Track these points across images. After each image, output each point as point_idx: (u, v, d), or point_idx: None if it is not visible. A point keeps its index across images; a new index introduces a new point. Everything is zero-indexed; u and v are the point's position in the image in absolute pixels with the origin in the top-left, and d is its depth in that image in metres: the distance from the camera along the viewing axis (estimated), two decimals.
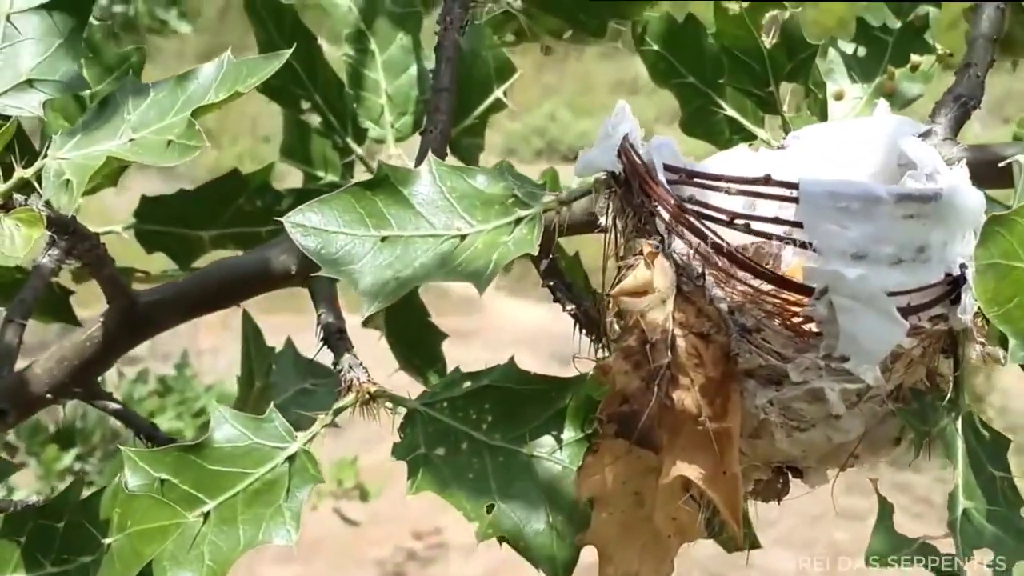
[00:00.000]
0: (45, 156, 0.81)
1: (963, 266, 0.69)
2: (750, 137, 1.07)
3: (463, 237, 0.77)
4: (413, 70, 1.29)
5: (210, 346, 4.87)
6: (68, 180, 0.79)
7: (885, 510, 0.67)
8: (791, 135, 0.88)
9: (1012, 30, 0.96)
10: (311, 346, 1.14)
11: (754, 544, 0.84)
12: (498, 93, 1.28)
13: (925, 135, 0.84)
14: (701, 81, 1.09)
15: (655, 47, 1.13)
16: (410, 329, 1.30)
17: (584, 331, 0.97)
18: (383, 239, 0.78)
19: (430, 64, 1.30)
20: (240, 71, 0.82)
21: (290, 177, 1.42)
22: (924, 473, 4.82)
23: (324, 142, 1.29)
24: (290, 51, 0.81)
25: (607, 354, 0.99)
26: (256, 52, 1.27)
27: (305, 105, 1.26)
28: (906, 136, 0.81)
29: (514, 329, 5.16)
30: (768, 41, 0.99)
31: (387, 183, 0.79)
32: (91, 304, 1.09)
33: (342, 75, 1.29)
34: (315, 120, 1.28)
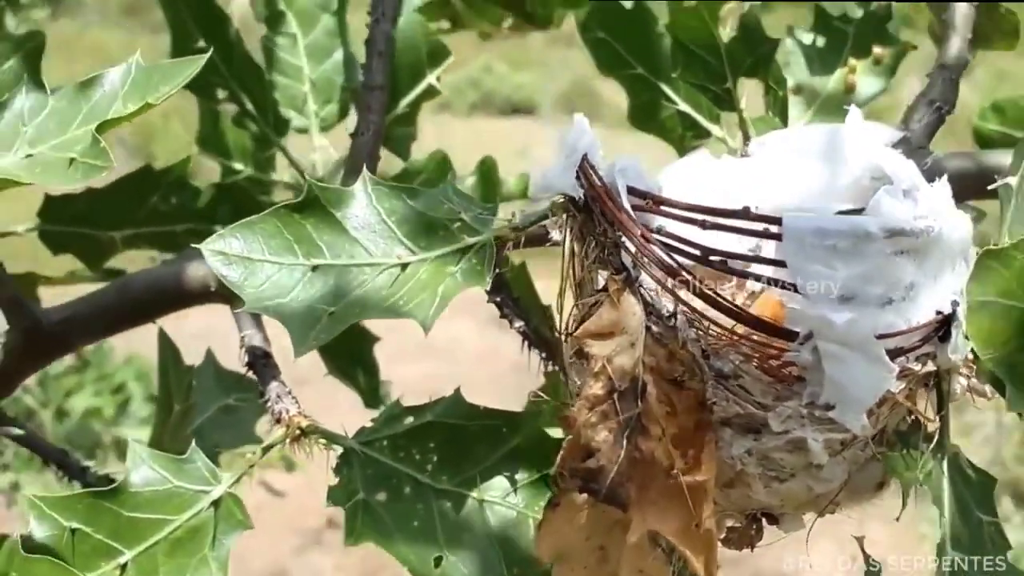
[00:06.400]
0: None
1: (955, 303, 0.63)
2: (704, 134, 1.01)
3: (404, 267, 0.70)
4: (338, 55, 1.20)
5: None
6: None
7: (872, 568, 0.62)
8: (755, 141, 0.82)
9: (979, 22, 0.91)
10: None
11: None
12: (431, 79, 1.20)
13: (899, 143, 0.78)
14: (651, 73, 1.03)
15: (600, 34, 1.06)
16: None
17: (534, 348, 0.91)
18: (314, 268, 0.70)
19: (355, 47, 1.22)
20: (151, 78, 0.73)
21: (206, 169, 1.32)
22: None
23: (242, 133, 1.20)
24: (207, 54, 0.72)
25: (556, 369, 0.92)
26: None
27: (222, 94, 1.17)
28: (880, 146, 0.75)
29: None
30: (726, 35, 0.92)
31: (317, 205, 0.71)
32: None
33: (260, 60, 1.20)
34: (232, 110, 1.19)
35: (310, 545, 3.87)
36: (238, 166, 1.23)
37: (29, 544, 0.73)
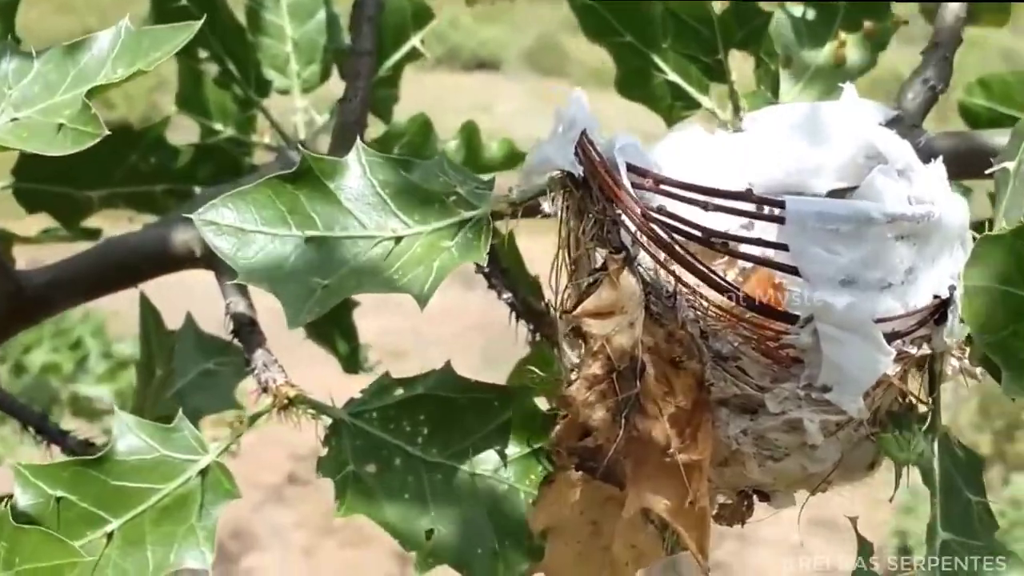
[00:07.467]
0: None
1: (952, 287, 0.63)
2: (693, 104, 1.00)
3: (398, 239, 0.69)
4: (321, 15, 1.19)
5: None
6: None
7: (865, 549, 0.62)
8: (748, 117, 0.81)
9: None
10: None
11: None
12: (415, 41, 1.19)
13: (893, 122, 0.78)
14: (640, 41, 1.02)
15: (588, 0, 1.04)
16: None
17: (521, 320, 0.91)
18: (307, 240, 0.69)
19: (337, 7, 1.21)
20: (140, 43, 0.72)
21: (185, 128, 1.30)
22: None
23: (223, 93, 1.19)
24: (200, 22, 0.70)
25: (543, 339, 0.92)
26: None
27: (203, 54, 1.15)
28: (874, 125, 0.75)
29: None
30: (718, 7, 0.91)
31: (310, 175, 0.70)
32: None
33: (242, 18, 1.18)
34: (213, 70, 1.17)
35: (271, 501, 3.88)
36: (218, 127, 1.21)
37: (14, 513, 0.72)
